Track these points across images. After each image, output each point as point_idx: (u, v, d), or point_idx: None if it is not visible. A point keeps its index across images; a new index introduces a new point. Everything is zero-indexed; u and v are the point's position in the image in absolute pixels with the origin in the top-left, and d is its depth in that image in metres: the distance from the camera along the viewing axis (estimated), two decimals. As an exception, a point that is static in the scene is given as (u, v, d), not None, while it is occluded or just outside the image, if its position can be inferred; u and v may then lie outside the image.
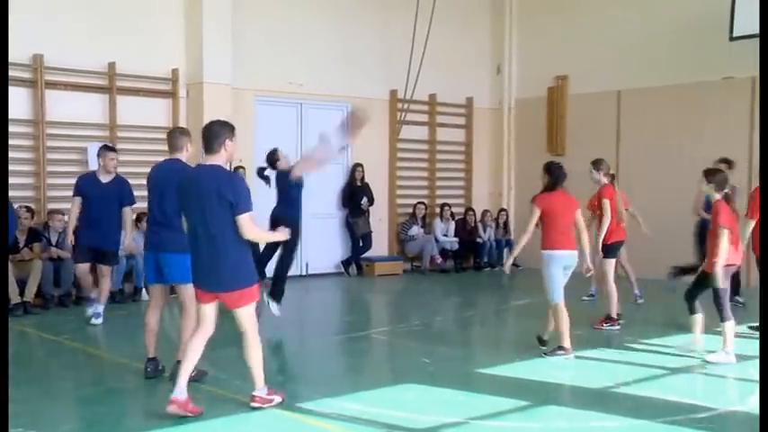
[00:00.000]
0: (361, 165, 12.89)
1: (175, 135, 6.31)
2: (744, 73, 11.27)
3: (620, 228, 8.54)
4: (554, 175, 7.15)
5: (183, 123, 11.36)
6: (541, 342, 7.27)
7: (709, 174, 7.12)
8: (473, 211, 13.95)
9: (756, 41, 9.92)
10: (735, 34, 10.23)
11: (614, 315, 8.34)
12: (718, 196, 6.98)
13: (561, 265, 7.01)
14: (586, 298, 9.82)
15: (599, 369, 6.80)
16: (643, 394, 6.00)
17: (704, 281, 7.02)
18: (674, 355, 7.18)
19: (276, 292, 8.37)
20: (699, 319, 7.17)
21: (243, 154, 11.58)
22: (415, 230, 13.40)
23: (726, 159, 8.92)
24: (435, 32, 12.74)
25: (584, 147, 13.28)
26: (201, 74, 11.21)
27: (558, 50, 13.73)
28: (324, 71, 12.58)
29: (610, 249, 8.47)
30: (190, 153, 6.24)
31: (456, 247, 13.56)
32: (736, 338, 7.05)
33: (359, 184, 12.85)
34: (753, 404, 5.71)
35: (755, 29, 9.82)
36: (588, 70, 13.26)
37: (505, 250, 13.67)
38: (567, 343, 7.02)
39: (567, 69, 13.67)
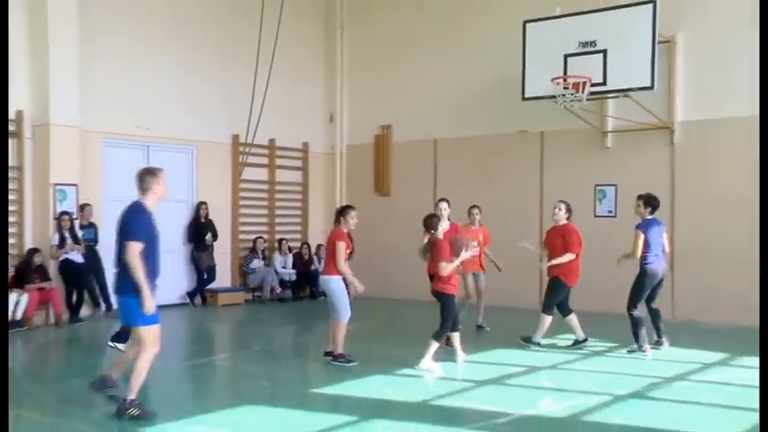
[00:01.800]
0: (205, 203, 12.70)
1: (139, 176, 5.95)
2: (535, 128, 12.23)
3: None
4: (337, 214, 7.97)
5: (28, 164, 10.74)
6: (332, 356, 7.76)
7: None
8: (308, 245, 14.07)
9: (543, 102, 10.85)
10: (525, 96, 11.03)
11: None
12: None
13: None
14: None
15: (419, 385, 7.05)
16: (455, 405, 6.31)
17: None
18: (480, 369, 7.60)
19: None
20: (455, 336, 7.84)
21: (90, 194, 11.15)
22: (256, 263, 13.32)
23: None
24: (274, 83, 12.86)
25: (407, 188, 13.86)
26: (48, 115, 10.65)
27: (383, 102, 14.20)
28: (170, 116, 12.32)
29: None
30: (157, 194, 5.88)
31: (294, 278, 13.60)
32: (533, 351, 7.58)
33: (203, 220, 12.64)
34: (542, 407, 6.19)
35: (541, 92, 10.70)
36: (409, 121, 13.83)
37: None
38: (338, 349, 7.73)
39: (390, 120, 14.18)
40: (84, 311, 10.82)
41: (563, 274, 8.44)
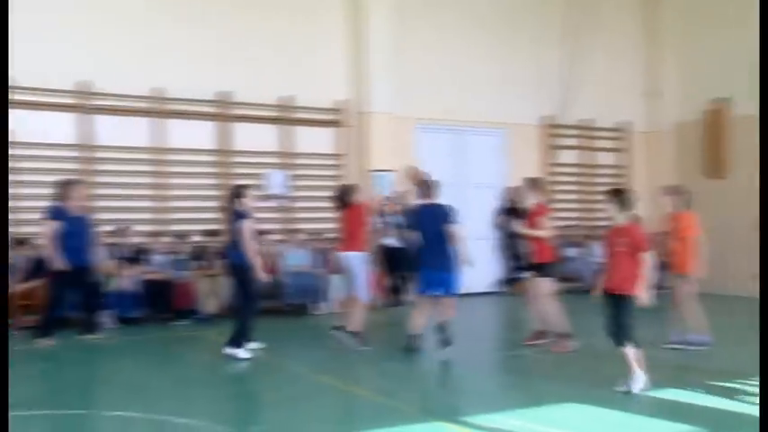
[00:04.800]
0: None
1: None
2: None
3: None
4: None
5: (350, 151, 11.43)
6: None
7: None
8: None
9: None
10: None
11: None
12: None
13: None
14: None
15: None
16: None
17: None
18: None
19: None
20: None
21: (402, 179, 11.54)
22: (572, 251, 12.71)
23: None
24: (587, 59, 12.18)
25: (746, 170, 12.16)
26: (369, 104, 11.31)
27: (715, 73, 12.69)
28: (479, 98, 12.31)
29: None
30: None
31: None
32: None
33: (517, 206, 12.35)
34: None
35: None
36: (751, 92, 12.12)
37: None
38: None
39: (726, 92, 12.60)
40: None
41: None
